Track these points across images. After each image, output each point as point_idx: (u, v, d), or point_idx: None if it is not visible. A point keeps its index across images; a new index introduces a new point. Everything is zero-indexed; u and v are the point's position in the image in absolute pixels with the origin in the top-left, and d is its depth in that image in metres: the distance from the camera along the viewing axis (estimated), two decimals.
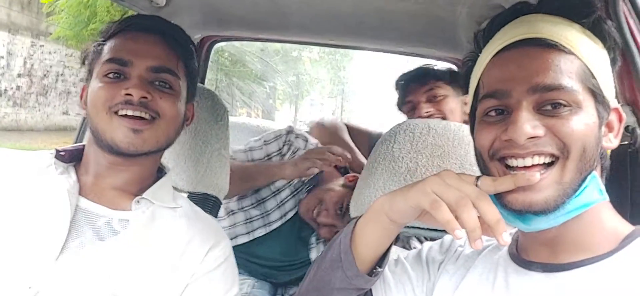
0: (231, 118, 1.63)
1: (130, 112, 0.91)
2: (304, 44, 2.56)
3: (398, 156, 1.12)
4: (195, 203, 1.17)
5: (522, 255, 0.75)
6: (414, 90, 1.75)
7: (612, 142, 0.71)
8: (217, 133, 1.23)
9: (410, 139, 1.13)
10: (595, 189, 0.66)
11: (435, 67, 1.81)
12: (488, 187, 0.66)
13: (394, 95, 1.88)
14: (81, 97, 1.01)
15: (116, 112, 0.91)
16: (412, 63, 2.16)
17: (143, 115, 0.92)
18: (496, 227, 0.62)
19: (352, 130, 1.83)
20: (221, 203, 1.26)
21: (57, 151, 0.97)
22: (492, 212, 0.63)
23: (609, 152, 0.73)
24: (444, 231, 0.91)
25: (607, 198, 0.68)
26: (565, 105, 0.65)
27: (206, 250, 0.96)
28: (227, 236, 1.03)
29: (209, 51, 2.25)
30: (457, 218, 0.63)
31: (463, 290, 0.77)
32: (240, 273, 1.64)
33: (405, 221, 0.74)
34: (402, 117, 1.81)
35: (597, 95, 0.68)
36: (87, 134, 0.97)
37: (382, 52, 2.19)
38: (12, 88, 11.06)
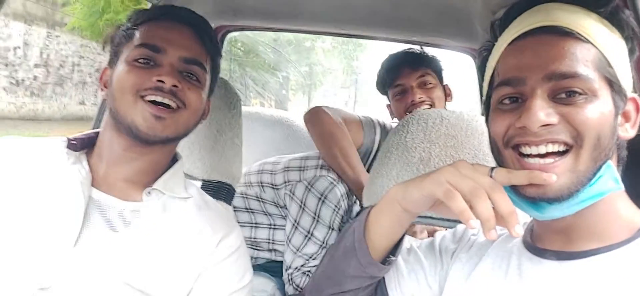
0: (244, 108, 1.64)
1: (159, 99, 0.90)
2: (317, 34, 2.55)
3: (411, 146, 1.11)
4: (210, 191, 1.19)
5: (536, 244, 0.75)
6: (407, 74, 1.73)
7: (628, 131, 0.70)
8: (230, 122, 1.24)
9: (424, 129, 1.12)
10: (610, 178, 0.66)
11: (425, 54, 1.81)
12: (502, 179, 0.66)
13: None
14: (101, 79, 1.00)
15: (143, 97, 0.90)
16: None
17: (170, 103, 0.92)
18: (509, 219, 0.62)
19: (345, 119, 1.73)
20: (235, 191, 1.27)
21: (69, 140, 0.96)
22: (506, 203, 0.63)
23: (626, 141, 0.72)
24: (457, 221, 0.91)
25: (623, 187, 0.67)
26: (580, 94, 0.65)
27: (218, 240, 0.96)
28: (238, 226, 1.03)
29: (222, 41, 2.26)
30: (471, 208, 0.63)
31: (476, 277, 0.78)
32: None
33: (418, 210, 0.74)
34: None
35: (613, 84, 0.67)
36: (105, 118, 0.97)
37: (396, 42, 2.17)
38: (29, 78, 11.23)
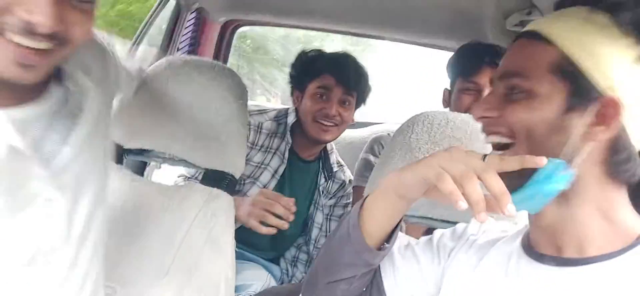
0: (249, 102, 1.64)
1: (26, 43, 0.60)
2: (327, 32, 2.55)
3: (415, 146, 1.11)
4: (212, 180, 1.20)
5: (534, 248, 0.75)
6: (488, 72, 1.44)
7: (598, 135, 0.65)
8: (236, 112, 1.24)
9: (428, 130, 1.12)
10: (553, 180, 0.63)
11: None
12: (495, 165, 0.66)
13: (416, 88, 1.85)
14: None
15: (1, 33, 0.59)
16: (436, 56, 2.14)
17: (46, 46, 0.62)
18: (501, 199, 0.62)
19: None
20: (237, 181, 1.27)
21: None
22: (498, 183, 0.62)
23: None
24: (456, 222, 0.92)
25: (565, 188, 0.64)
26: (519, 92, 0.68)
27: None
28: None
29: (232, 35, 2.27)
30: (462, 193, 0.63)
31: (476, 277, 0.78)
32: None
33: (413, 196, 0.75)
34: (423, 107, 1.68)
35: (577, 85, 0.65)
36: None
37: (406, 42, 2.18)
38: None
